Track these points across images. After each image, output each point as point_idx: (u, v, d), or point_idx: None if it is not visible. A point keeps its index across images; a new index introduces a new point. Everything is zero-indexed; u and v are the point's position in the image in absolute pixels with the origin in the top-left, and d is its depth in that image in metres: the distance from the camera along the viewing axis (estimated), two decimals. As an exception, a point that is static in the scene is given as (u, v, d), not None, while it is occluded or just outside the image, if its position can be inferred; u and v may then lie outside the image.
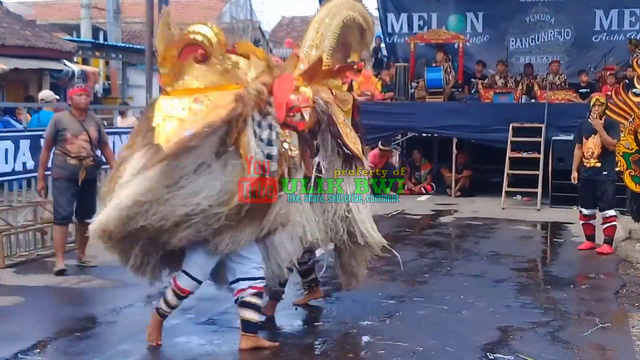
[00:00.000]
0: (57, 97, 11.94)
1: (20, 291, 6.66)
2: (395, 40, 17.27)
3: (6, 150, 7.85)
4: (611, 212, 8.66)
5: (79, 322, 5.76)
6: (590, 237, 8.82)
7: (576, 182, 8.77)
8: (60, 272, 7.24)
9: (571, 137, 11.20)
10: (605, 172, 8.58)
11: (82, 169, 7.39)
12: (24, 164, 8.07)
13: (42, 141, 7.51)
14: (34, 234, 8.19)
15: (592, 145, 8.58)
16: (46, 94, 12.26)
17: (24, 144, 8.08)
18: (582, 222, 8.87)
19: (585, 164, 8.64)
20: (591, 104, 8.76)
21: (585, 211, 8.74)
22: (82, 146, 7.40)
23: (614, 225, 8.71)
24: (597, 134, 8.56)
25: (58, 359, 5.09)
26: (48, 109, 11.14)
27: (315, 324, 5.74)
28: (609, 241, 8.66)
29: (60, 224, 7.52)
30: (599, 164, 8.56)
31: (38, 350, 5.11)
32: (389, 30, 17.30)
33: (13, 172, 7.99)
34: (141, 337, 5.38)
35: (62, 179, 7.37)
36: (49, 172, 7.89)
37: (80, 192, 7.45)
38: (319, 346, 5.26)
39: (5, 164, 7.84)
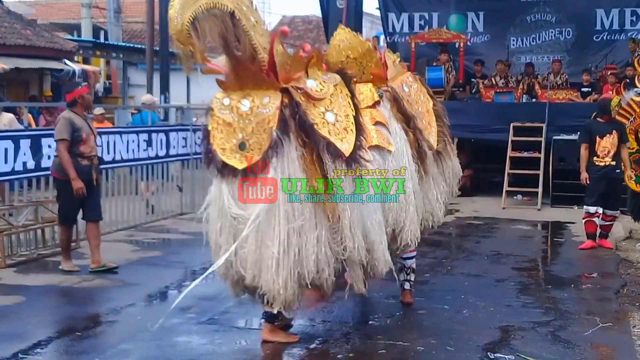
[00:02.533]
0: (156, 99, 12.42)
1: (21, 291, 6.66)
2: (396, 39, 17.27)
3: (6, 150, 7.84)
4: (617, 212, 8.93)
5: (80, 321, 5.77)
6: (592, 235, 8.86)
7: (587, 182, 8.79)
8: (70, 272, 7.23)
9: (571, 137, 11.25)
10: (619, 171, 8.78)
11: (94, 169, 7.34)
12: (24, 163, 8.05)
13: (56, 144, 7.26)
14: (34, 234, 8.19)
15: (607, 144, 8.68)
16: (147, 97, 13.01)
17: (24, 144, 8.07)
18: (585, 219, 8.90)
19: (597, 162, 8.72)
20: (613, 104, 8.91)
21: (592, 209, 8.78)
22: (92, 146, 7.36)
23: (613, 223, 9.03)
24: (612, 134, 8.66)
25: (59, 358, 5.10)
26: (146, 109, 11.99)
27: (316, 324, 5.74)
28: (606, 236, 8.95)
29: (67, 224, 7.50)
30: (613, 162, 8.70)
31: (39, 349, 5.11)
32: (390, 29, 17.32)
33: (12, 172, 7.97)
34: (142, 336, 5.39)
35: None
36: (48, 172, 7.89)
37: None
38: (319, 346, 5.26)
39: (5, 163, 7.83)
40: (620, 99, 9.05)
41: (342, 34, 5.84)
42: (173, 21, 4.66)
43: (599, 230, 8.86)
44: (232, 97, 5.06)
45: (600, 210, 8.78)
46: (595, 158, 8.74)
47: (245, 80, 5.05)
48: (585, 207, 8.91)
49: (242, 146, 4.98)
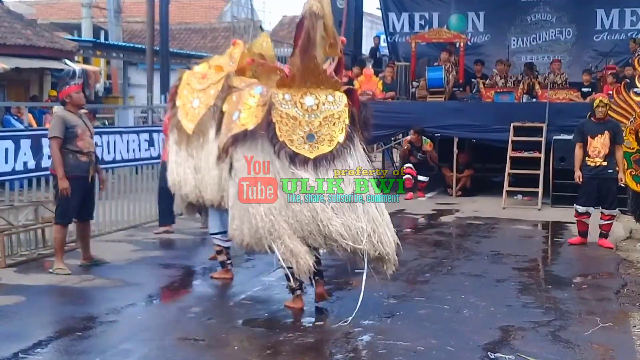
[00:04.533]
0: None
1: (21, 291, 6.66)
2: (396, 39, 17.29)
3: (6, 150, 7.85)
4: (614, 211, 8.89)
5: (80, 321, 5.76)
6: (583, 234, 8.94)
7: (581, 181, 8.80)
8: (63, 273, 7.22)
9: (571, 137, 11.24)
10: (611, 171, 8.76)
11: (92, 165, 7.44)
12: (25, 163, 8.07)
13: (49, 141, 7.30)
14: (34, 234, 8.19)
15: (598, 144, 8.70)
16: None
17: (25, 144, 8.08)
18: (576, 219, 8.99)
19: (589, 162, 8.74)
20: (594, 104, 8.82)
21: (581, 209, 8.86)
22: (89, 142, 7.42)
23: (612, 222, 9.00)
24: (604, 134, 8.68)
25: (59, 358, 5.09)
26: None
27: (316, 323, 5.74)
28: (606, 236, 8.94)
29: (64, 224, 7.47)
30: (605, 163, 8.70)
31: (39, 349, 5.10)
32: (390, 29, 17.33)
33: (13, 172, 7.98)
34: (142, 336, 5.40)
35: (74, 178, 7.24)
36: (49, 172, 7.91)
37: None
38: (320, 346, 5.26)
39: (6, 163, 7.83)
40: (600, 99, 8.96)
41: (265, 39, 6.78)
42: (326, 18, 5.65)
43: (599, 230, 8.89)
44: (293, 94, 5.73)
45: (591, 210, 8.84)
46: (587, 158, 8.79)
47: (305, 80, 5.73)
48: (575, 205, 8.97)
49: (310, 137, 5.66)
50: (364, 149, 5.87)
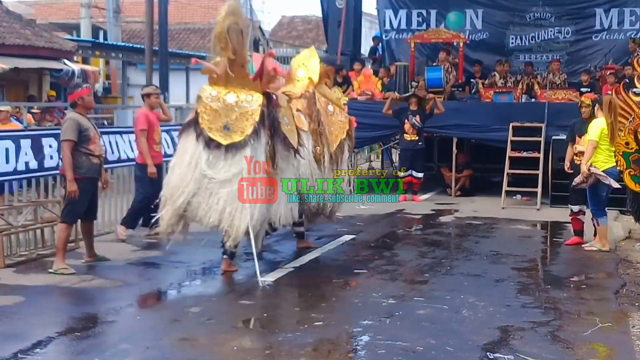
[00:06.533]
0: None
1: (21, 291, 6.66)
2: (392, 36, 17.24)
3: (7, 150, 7.84)
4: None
5: (79, 321, 5.77)
6: (579, 232, 8.98)
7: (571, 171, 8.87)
8: (67, 273, 7.22)
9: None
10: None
11: (102, 167, 7.59)
12: (27, 163, 8.08)
13: (62, 143, 7.29)
14: (34, 234, 8.19)
15: (585, 143, 8.69)
16: None
17: (25, 144, 8.08)
18: (571, 217, 9.06)
19: (576, 161, 8.78)
20: (578, 105, 8.97)
21: (574, 208, 8.88)
22: (100, 145, 7.56)
23: None
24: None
25: (58, 358, 5.10)
26: None
27: (316, 323, 5.74)
28: None
29: (71, 223, 7.55)
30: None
31: (38, 349, 5.10)
32: (387, 27, 17.28)
33: (15, 172, 7.99)
34: (141, 336, 5.40)
35: (86, 179, 7.32)
36: (56, 172, 7.94)
37: None
38: (319, 346, 5.26)
39: (7, 163, 7.83)
40: (582, 100, 9.08)
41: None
42: (217, 25, 6.84)
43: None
44: (219, 90, 6.95)
45: (585, 208, 8.84)
46: (574, 156, 8.82)
47: (232, 80, 6.95)
48: (569, 205, 9.00)
49: (226, 127, 6.86)
50: (266, 143, 7.04)
